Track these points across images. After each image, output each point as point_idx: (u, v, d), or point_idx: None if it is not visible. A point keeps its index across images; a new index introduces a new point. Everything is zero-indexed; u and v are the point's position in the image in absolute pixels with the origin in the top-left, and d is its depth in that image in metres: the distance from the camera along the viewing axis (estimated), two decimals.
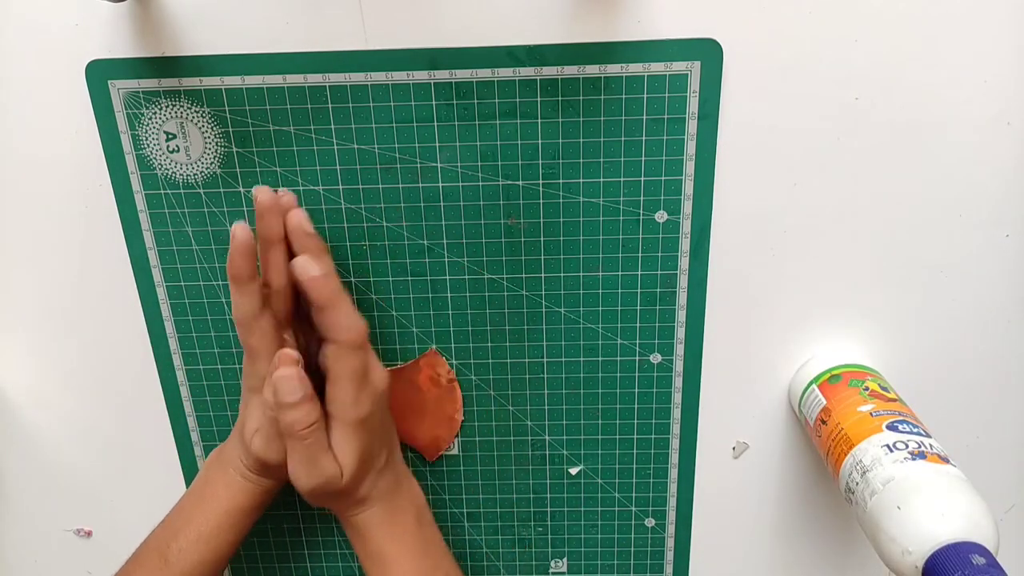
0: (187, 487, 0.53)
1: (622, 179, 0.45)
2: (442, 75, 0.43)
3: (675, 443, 0.51)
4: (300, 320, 0.45)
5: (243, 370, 0.44)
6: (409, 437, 0.51)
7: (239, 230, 0.40)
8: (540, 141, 0.44)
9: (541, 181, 0.45)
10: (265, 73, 0.43)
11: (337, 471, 0.42)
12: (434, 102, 0.43)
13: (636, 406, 0.50)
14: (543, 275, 0.47)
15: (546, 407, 0.50)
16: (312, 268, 0.40)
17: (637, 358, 0.49)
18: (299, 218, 0.42)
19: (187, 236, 0.47)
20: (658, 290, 0.47)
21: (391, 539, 0.45)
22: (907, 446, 0.39)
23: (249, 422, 0.44)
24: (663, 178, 0.44)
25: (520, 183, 0.45)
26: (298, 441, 0.41)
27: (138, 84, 0.43)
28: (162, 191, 0.46)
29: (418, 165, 0.45)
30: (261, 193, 0.41)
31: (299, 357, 0.41)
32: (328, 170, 0.45)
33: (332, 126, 0.44)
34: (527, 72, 0.42)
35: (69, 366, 0.51)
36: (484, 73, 0.43)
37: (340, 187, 0.45)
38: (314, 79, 0.43)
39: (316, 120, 0.44)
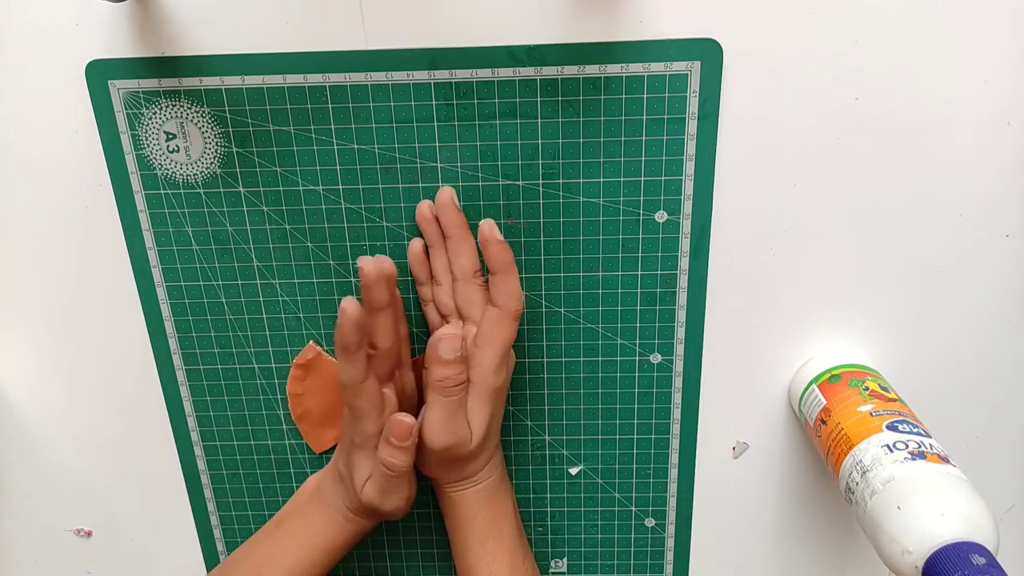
0: (187, 487, 0.53)
1: (622, 179, 0.45)
2: (442, 75, 0.43)
3: (675, 443, 0.51)
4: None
5: (344, 425, 0.45)
6: None
7: (349, 306, 0.40)
8: (540, 141, 0.44)
9: (541, 181, 0.45)
10: (265, 73, 0.43)
11: (468, 434, 0.44)
12: (434, 102, 0.43)
13: (636, 406, 0.50)
14: (543, 275, 0.47)
15: (546, 407, 0.50)
16: (498, 233, 0.43)
17: (637, 358, 0.49)
18: (451, 194, 0.44)
19: (187, 236, 0.47)
20: (658, 290, 0.47)
21: (493, 521, 0.47)
22: (907, 446, 0.39)
23: (358, 472, 0.45)
24: (663, 178, 0.44)
25: (520, 183, 0.45)
26: (444, 397, 0.43)
27: (138, 84, 0.43)
28: (162, 191, 0.46)
29: (418, 165, 0.45)
30: (367, 264, 0.42)
31: (414, 423, 0.43)
32: (328, 170, 0.45)
33: (332, 126, 0.44)
34: (527, 72, 0.42)
35: (69, 366, 0.51)
36: (484, 73, 0.43)
37: (340, 187, 0.45)
38: (314, 79, 0.43)
39: (316, 120, 0.44)
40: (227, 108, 0.44)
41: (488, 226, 0.43)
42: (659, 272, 0.47)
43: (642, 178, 0.44)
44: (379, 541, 0.54)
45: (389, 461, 0.43)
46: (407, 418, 0.43)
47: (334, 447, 0.51)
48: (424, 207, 0.45)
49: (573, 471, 0.52)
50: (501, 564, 0.47)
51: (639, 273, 0.47)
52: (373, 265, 0.42)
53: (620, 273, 0.47)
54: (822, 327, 0.48)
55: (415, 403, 0.49)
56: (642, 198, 0.45)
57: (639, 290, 0.47)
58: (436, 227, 0.45)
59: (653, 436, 0.51)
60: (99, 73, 0.43)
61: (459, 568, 0.48)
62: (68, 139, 0.45)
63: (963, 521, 0.35)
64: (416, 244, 0.46)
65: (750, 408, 0.50)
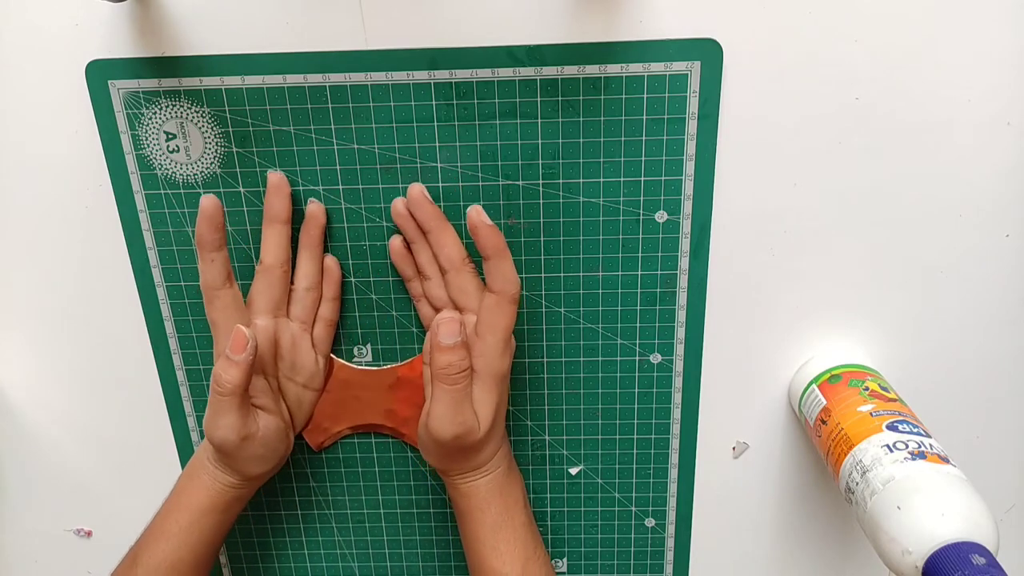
0: None
1: (622, 179, 0.45)
2: (442, 75, 0.43)
3: (675, 443, 0.51)
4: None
5: (214, 351, 0.45)
6: (412, 435, 0.51)
7: (206, 200, 0.42)
8: (540, 141, 0.44)
9: (541, 181, 0.45)
10: (265, 73, 0.43)
11: (476, 422, 0.43)
12: (434, 102, 0.43)
13: (636, 406, 0.50)
14: (543, 275, 0.47)
15: (546, 407, 0.50)
16: (486, 217, 0.42)
17: (637, 358, 0.49)
18: (421, 189, 0.44)
19: (187, 236, 0.47)
20: (658, 290, 0.47)
21: (504, 510, 0.46)
22: (907, 446, 0.39)
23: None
24: (663, 178, 0.44)
25: (520, 183, 0.45)
26: (449, 386, 0.42)
27: (138, 84, 0.43)
28: (162, 191, 0.46)
29: (418, 165, 0.45)
30: (274, 174, 0.44)
31: (252, 336, 0.41)
32: (328, 170, 0.45)
33: (332, 126, 0.44)
34: (527, 72, 0.42)
35: (69, 366, 0.51)
36: (484, 73, 0.43)
37: (340, 187, 0.45)
38: (314, 79, 0.43)
39: (316, 120, 0.44)
40: (227, 108, 0.44)
41: (476, 212, 0.42)
42: (659, 272, 0.47)
43: (642, 178, 0.44)
44: (379, 541, 0.55)
45: (218, 375, 0.41)
46: (246, 329, 0.41)
47: (332, 445, 0.51)
48: (398, 204, 0.45)
49: (573, 471, 0.52)
50: (514, 554, 0.46)
51: (639, 273, 0.47)
52: (279, 176, 0.43)
53: (620, 273, 0.47)
54: (822, 327, 0.48)
55: (314, 371, 0.48)
56: (642, 198, 0.45)
57: (639, 290, 0.47)
58: (413, 222, 0.45)
59: (653, 436, 0.51)
60: (99, 73, 0.43)
61: (471, 559, 0.47)
62: (68, 139, 0.45)
63: (963, 521, 0.35)
64: (396, 241, 0.46)
65: (750, 408, 0.50)
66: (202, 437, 0.52)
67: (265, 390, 0.45)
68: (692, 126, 0.43)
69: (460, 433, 0.43)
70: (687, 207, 0.45)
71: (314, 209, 0.45)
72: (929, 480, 0.37)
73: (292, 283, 0.46)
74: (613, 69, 0.42)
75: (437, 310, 0.46)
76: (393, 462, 0.52)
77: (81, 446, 0.53)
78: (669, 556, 0.54)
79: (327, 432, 0.51)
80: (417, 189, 0.44)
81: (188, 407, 0.51)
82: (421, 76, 0.43)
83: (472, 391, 0.43)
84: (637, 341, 0.48)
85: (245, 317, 0.44)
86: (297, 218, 0.46)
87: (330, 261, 0.46)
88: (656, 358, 0.49)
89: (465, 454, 0.45)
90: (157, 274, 0.48)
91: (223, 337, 0.43)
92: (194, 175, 0.45)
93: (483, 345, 0.43)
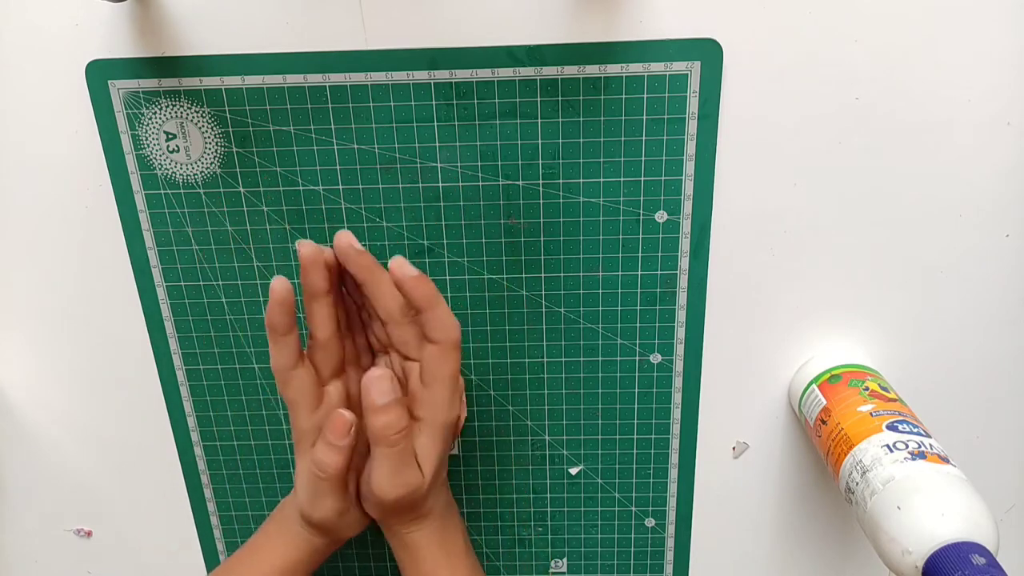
0: (187, 487, 0.53)
1: (622, 179, 0.45)
2: (442, 75, 0.43)
3: (675, 443, 0.51)
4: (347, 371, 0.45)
5: (292, 426, 0.44)
6: None
7: (278, 284, 0.39)
8: (540, 141, 0.44)
9: (541, 181, 0.45)
10: (265, 73, 0.43)
11: (421, 478, 0.41)
12: (434, 102, 0.43)
13: (636, 406, 0.50)
14: (543, 275, 0.47)
15: (546, 407, 0.50)
16: (410, 269, 0.40)
17: (637, 358, 0.49)
18: (348, 238, 0.41)
19: (187, 236, 0.47)
20: (658, 290, 0.47)
21: (445, 559, 0.45)
22: (907, 446, 0.39)
23: (297, 475, 0.43)
24: (663, 178, 0.44)
25: (520, 183, 0.45)
26: (388, 448, 0.40)
27: (138, 84, 0.43)
28: (162, 191, 0.46)
29: (418, 165, 0.45)
30: (304, 247, 0.40)
31: (352, 420, 0.41)
32: (328, 170, 0.45)
33: (332, 126, 0.44)
34: (527, 72, 0.42)
35: (69, 366, 0.51)
36: (484, 73, 0.43)
37: (340, 187, 0.45)
38: (314, 79, 0.43)
39: (316, 120, 0.44)
40: (227, 108, 0.44)
41: (397, 264, 0.40)
42: (659, 272, 0.47)
43: (642, 178, 0.44)
44: (379, 542, 0.54)
45: (318, 459, 0.41)
46: (347, 413, 0.40)
47: None
48: (310, 251, 0.40)
49: (573, 471, 0.52)
50: None
51: (639, 273, 0.47)
52: (310, 248, 0.40)
53: (620, 273, 0.47)
54: (822, 327, 0.48)
55: None
56: (642, 198, 0.45)
57: (639, 290, 0.47)
58: (329, 276, 0.42)
59: (653, 436, 0.51)
60: (99, 73, 0.43)
61: None
62: (68, 139, 0.45)
63: (963, 521, 0.35)
64: (282, 284, 0.41)
65: (750, 408, 0.50)
66: (201, 437, 0.52)
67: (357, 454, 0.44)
68: (692, 126, 0.43)
69: (404, 494, 0.41)
70: (687, 207, 0.45)
71: (306, 252, 0.41)
72: (929, 480, 0.37)
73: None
74: (613, 69, 0.42)
75: (377, 352, 0.45)
76: None
77: (81, 446, 0.53)
78: (669, 556, 0.54)
79: None
80: (345, 239, 0.41)
81: (188, 407, 0.51)
82: (421, 76, 0.43)
83: (416, 443, 0.42)
84: (637, 341, 0.48)
85: (320, 390, 0.43)
86: (298, 218, 0.46)
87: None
88: (656, 358, 0.49)
89: (408, 509, 0.43)
90: (157, 274, 0.48)
91: (304, 414, 0.42)
92: (194, 175, 0.45)
93: (430, 394, 0.41)
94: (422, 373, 0.42)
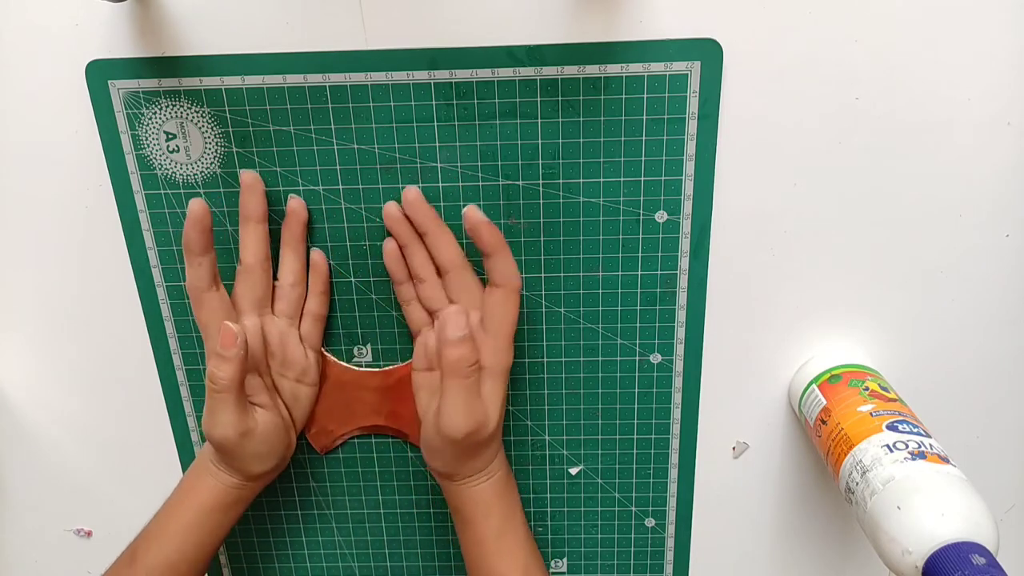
0: None
1: (622, 179, 0.45)
2: (442, 75, 0.43)
3: (675, 443, 0.51)
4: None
5: (205, 352, 0.45)
6: (415, 435, 0.51)
7: (195, 205, 0.43)
8: (540, 141, 0.44)
9: (541, 181, 0.45)
10: (265, 73, 0.43)
11: (487, 417, 0.43)
12: (434, 102, 0.43)
13: (636, 406, 0.50)
14: (543, 275, 0.47)
15: (546, 407, 0.50)
16: (482, 214, 0.43)
17: (637, 358, 0.49)
18: (416, 192, 0.44)
19: None
20: (658, 290, 0.47)
21: (508, 514, 0.47)
22: (907, 446, 0.39)
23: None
24: (663, 178, 0.44)
25: (520, 183, 0.45)
26: (461, 379, 0.42)
27: (138, 84, 0.43)
28: (162, 191, 0.46)
29: (418, 165, 0.45)
30: (246, 174, 0.44)
31: (240, 331, 0.42)
32: (328, 170, 0.45)
33: (332, 126, 0.44)
34: (527, 72, 0.42)
35: (69, 366, 0.51)
36: (484, 73, 0.43)
37: (340, 187, 0.45)
38: (314, 79, 0.43)
39: (316, 120, 0.44)
40: (227, 108, 0.44)
41: (472, 210, 0.43)
42: (659, 272, 0.47)
43: (642, 178, 0.44)
44: (379, 541, 0.55)
45: (212, 372, 0.42)
46: (234, 325, 0.42)
47: (337, 447, 0.51)
48: (391, 207, 0.45)
49: (573, 471, 0.52)
50: (517, 557, 0.46)
51: (639, 273, 0.47)
52: (252, 176, 0.44)
53: (620, 273, 0.47)
54: (822, 327, 0.48)
55: (305, 369, 0.48)
56: (642, 198, 0.45)
57: (639, 290, 0.47)
58: (407, 226, 0.45)
59: (653, 436, 0.51)
60: (99, 73, 0.43)
61: (474, 565, 0.47)
62: (68, 139, 0.45)
63: (963, 521, 0.35)
64: (390, 244, 0.46)
65: (750, 408, 0.50)
66: (202, 438, 0.52)
67: (259, 387, 0.45)
68: (692, 126, 0.43)
69: (474, 428, 0.43)
70: (687, 207, 0.45)
71: (294, 205, 0.45)
72: (929, 480, 0.37)
73: (277, 280, 0.46)
74: (613, 69, 0.42)
75: (429, 313, 0.46)
76: (393, 462, 0.52)
77: (81, 446, 0.53)
78: (669, 556, 0.54)
79: (332, 435, 0.51)
80: (414, 192, 0.44)
81: (188, 407, 0.51)
82: (421, 76, 0.43)
83: (482, 388, 0.43)
84: (637, 341, 0.48)
85: (232, 317, 0.45)
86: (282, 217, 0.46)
87: (316, 256, 0.47)
88: (656, 358, 0.49)
89: (476, 451, 0.45)
90: (157, 274, 0.48)
91: (214, 337, 0.43)
92: (194, 175, 0.45)
93: (493, 339, 0.43)
94: (485, 319, 0.44)
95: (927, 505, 0.36)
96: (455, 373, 0.42)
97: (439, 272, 0.45)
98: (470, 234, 0.43)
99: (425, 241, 0.45)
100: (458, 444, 0.43)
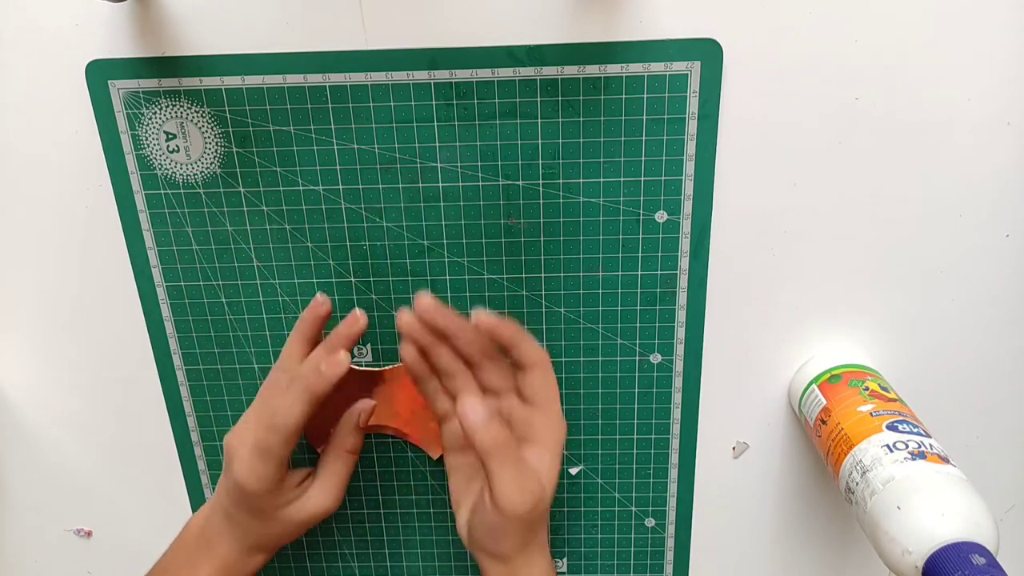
0: (187, 487, 0.53)
1: (622, 179, 0.45)
2: (442, 75, 0.43)
3: (675, 443, 0.51)
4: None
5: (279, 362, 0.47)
6: (415, 436, 0.51)
7: (324, 300, 0.46)
8: (540, 141, 0.44)
9: (541, 181, 0.45)
10: (265, 73, 0.43)
11: (542, 487, 0.43)
12: (434, 102, 0.43)
13: (636, 406, 0.50)
14: (543, 275, 0.47)
15: None
16: (493, 316, 0.44)
17: (637, 358, 0.49)
18: (428, 299, 0.44)
19: (187, 236, 0.47)
20: (658, 290, 0.47)
21: None
22: (907, 446, 0.39)
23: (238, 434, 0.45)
24: (663, 178, 0.44)
25: (520, 183, 0.45)
26: (503, 456, 0.41)
27: (138, 84, 0.43)
28: (162, 191, 0.46)
29: (418, 165, 0.45)
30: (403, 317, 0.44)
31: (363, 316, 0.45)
32: (328, 170, 0.45)
33: (332, 126, 0.44)
34: (527, 72, 0.42)
35: (69, 366, 0.51)
36: (484, 73, 0.43)
37: (340, 187, 0.45)
38: (314, 79, 0.43)
39: (316, 120, 0.44)
40: (227, 108, 0.44)
41: (482, 315, 0.43)
42: (659, 272, 0.47)
43: (642, 178, 0.44)
44: (379, 541, 0.55)
45: (317, 367, 0.43)
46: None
47: None
48: (405, 317, 0.44)
49: (573, 471, 0.52)
50: None
51: (639, 273, 0.47)
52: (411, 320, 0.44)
53: (620, 273, 0.47)
54: (822, 327, 0.48)
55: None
56: (642, 198, 0.45)
57: (639, 290, 0.47)
58: (428, 333, 0.44)
59: (653, 436, 0.51)
60: (99, 73, 0.43)
61: None
62: (68, 139, 0.45)
63: (963, 521, 0.35)
64: (410, 349, 0.44)
65: (750, 408, 0.50)
66: (201, 438, 0.52)
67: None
68: (692, 126, 0.43)
69: (531, 504, 0.42)
70: (687, 207, 0.45)
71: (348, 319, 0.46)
72: (929, 480, 0.37)
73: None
74: (613, 69, 0.42)
75: (453, 398, 0.45)
76: (393, 462, 0.52)
77: (81, 446, 0.53)
78: (669, 556, 0.54)
79: (329, 432, 0.51)
80: (427, 299, 0.43)
81: (188, 407, 0.51)
82: (421, 76, 0.43)
83: (539, 465, 0.43)
84: (637, 341, 0.48)
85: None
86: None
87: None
88: (656, 358, 0.49)
89: (531, 528, 0.43)
90: (157, 274, 0.48)
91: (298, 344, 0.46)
92: (194, 175, 0.45)
93: (545, 416, 0.44)
94: (530, 399, 0.44)
95: (927, 505, 0.36)
96: (495, 452, 0.41)
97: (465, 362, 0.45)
98: (489, 338, 0.44)
99: (449, 342, 0.44)
100: (522, 520, 0.42)
